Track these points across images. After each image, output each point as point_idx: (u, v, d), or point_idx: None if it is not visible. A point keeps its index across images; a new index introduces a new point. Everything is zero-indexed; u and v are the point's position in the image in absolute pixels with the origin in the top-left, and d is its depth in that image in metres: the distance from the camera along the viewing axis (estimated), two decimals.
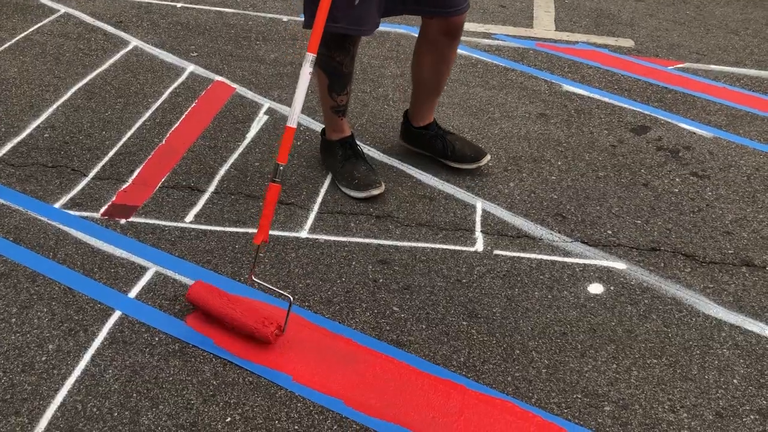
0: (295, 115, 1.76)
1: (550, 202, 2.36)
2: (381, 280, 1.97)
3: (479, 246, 2.14)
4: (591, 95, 3.06)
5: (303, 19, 2.12)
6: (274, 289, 1.75)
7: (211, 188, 2.30)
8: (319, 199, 2.28)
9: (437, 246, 2.12)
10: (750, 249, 2.21)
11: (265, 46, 3.27)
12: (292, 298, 1.70)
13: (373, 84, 3.03)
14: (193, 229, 2.11)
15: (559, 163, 2.58)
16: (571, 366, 1.75)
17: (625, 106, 2.98)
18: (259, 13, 3.63)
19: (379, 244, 2.11)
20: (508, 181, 2.46)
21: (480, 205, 2.32)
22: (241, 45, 3.27)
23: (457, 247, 2.13)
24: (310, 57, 1.79)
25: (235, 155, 2.48)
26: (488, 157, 2.43)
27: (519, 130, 2.77)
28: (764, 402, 1.69)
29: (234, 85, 2.91)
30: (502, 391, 1.66)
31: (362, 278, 1.97)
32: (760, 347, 1.85)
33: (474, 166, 2.43)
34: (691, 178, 2.55)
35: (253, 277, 1.75)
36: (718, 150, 2.74)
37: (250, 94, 2.86)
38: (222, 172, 2.38)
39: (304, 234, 2.12)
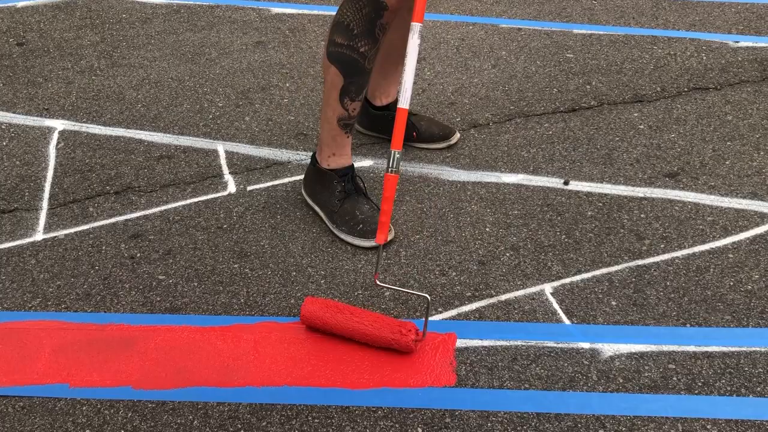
0: (407, 94, 1.58)
1: (289, 124, 2.37)
2: (138, 255, 1.86)
3: (231, 188, 2.10)
4: (300, 11, 3.07)
5: None
6: (404, 290, 1.62)
7: None
8: (46, 195, 2.07)
9: (188, 201, 2.04)
10: (473, 112, 2.41)
11: None
12: (429, 298, 1.56)
13: (73, 58, 2.77)
14: None
15: (288, 84, 2.58)
16: (347, 268, 1.80)
17: (332, 13, 3.03)
18: None
19: (126, 220, 1.98)
20: (242, 116, 2.41)
21: (221, 147, 2.26)
22: None
23: (210, 196, 2.06)
24: (417, 27, 1.57)
25: None
26: (458, 134, 2.23)
27: (240, 63, 2.71)
28: (514, 238, 1.89)
29: None
30: (289, 315, 1.68)
31: (117, 259, 1.84)
32: (500, 193, 2.05)
33: (444, 145, 2.20)
34: None
35: (377, 281, 1.60)
36: (426, 32, 2.90)
37: None
38: None
39: (39, 236, 1.92)
